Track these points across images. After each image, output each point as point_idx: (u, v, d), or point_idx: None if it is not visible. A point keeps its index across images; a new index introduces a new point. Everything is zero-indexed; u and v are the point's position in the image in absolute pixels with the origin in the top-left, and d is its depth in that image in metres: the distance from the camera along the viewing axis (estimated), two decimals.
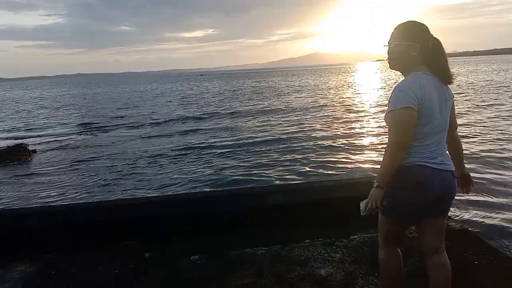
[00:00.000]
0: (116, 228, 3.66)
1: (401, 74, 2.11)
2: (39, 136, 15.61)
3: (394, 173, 1.96)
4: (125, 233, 3.65)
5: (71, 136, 15.01)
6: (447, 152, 2.13)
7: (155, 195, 6.49)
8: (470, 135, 10.76)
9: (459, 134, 2.29)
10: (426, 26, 2.03)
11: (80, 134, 15.43)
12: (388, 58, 2.11)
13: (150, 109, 23.93)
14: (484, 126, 12.14)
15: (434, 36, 2.03)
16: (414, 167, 1.99)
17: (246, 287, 2.76)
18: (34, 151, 11.81)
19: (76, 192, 7.58)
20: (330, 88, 37.18)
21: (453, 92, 2.13)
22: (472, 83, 31.97)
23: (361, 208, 2.04)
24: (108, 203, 4.10)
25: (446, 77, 2.03)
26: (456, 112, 2.20)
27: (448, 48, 2.09)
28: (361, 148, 9.90)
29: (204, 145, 11.62)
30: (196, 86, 57.61)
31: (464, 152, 2.37)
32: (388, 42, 2.10)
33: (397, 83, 2.01)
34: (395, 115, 1.94)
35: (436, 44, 2.03)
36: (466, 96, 21.86)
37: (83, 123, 18.64)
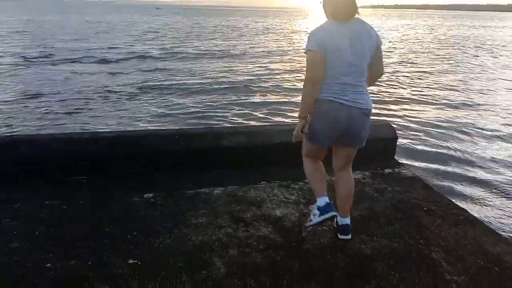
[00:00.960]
0: (65, 163, 3.47)
1: None
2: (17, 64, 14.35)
3: (311, 106, 2.35)
4: (74, 168, 3.48)
5: (18, 67, 13.92)
6: (365, 90, 2.40)
7: (108, 130, 6.24)
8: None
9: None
10: None
11: (29, 66, 14.26)
12: None
13: (107, 44, 22.43)
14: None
15: None
16: (325, 101, 2.33)
17: (201, 226, 2.73)
18: None
19: (23, 126, 7.16)
20: (296, 32, 36.59)
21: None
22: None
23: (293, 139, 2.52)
24: (57, 136, 3.85)
25: (351, 16, 2.30)
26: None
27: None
28: None
29: (163, 85, 11.15)
30: (155, 20, 54.62)
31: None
32: None
33: None
34: (306, 57, 2.31)
35: None
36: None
37: (31, 55, 17.07)
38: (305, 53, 2.31)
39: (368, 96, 2.40)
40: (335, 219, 2.60)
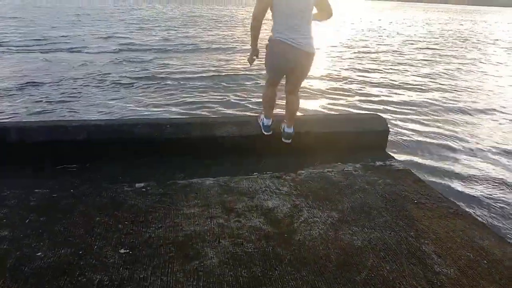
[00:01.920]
0: (55, 151, 3.43)
1: None
2: None
3: (255, 36, 3.19)
4: (64, 156, 3.44)
5: (9, 54, 13.57)
6: (309, 35, 3.14)
7: (99, 118, 6.17)
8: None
9: None
10: None
11: (20, 54, 13.75)
12: None
13: (104, 32, 21.75)
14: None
15: None
16: (273, 40, 3.14)
17: (193, 216, 2.73)
18: None
19: (13, 113, 7.05)
20: None
21: None
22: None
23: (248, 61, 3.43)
24: (47, 123, 3.80)
25: None
26: None
27: None
28: (319, 92, 9.84)
29: (157, 76, 10.90)
30: (148, 8, 53.86)
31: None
32: None
33: None
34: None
35: None
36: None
37: (24, 43, 16.22)
38: None
39: (311, 40, 3.14)
40: (283, 128, 3.66)
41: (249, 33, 3.25)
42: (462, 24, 44.76)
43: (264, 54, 3.38)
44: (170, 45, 17.51)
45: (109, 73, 11.05)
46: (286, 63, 3.21)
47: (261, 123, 3.74)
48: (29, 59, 12.84)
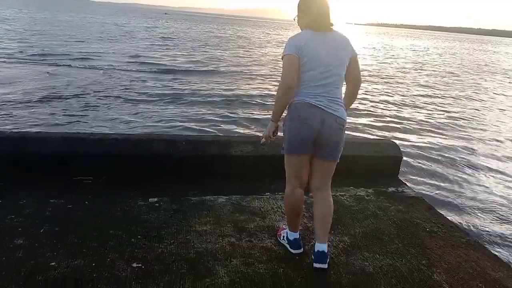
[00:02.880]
0: (71, 163, 3.50)
1: None
2: (4, 62, 14.37)
3: (283, 110, 2.39)
4: (80, 169, 3.50)
5: (30, 66, 13.93)
6: (340, 100, 2.40)
7: (115, 132, 6.27)
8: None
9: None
10: None
11: (46, 68, 14.05)
12: None
13: (126, 50, 21.94)
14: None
15: None
16: (299, 103, 2.34)
17: (204, 233, 2.75)
18: None
19: (34, 124, 7.21)
20: None
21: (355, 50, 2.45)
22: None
23: (261, 140, 2.58)
24: (65, 135, 3.88)
25: (326, 28, 2.36)
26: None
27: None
28: None
29: (178, 95, 11.09)
30: (167, 26, 54.90)
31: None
32: None
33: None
34: (283, 61, 2.33)
35: (317, 7, 2.39)
36: None
37: (48, 57, 16.42)
38: (281, 58, 2.35)
39: (342, 107, 2.39)
40: (313, 247, 2.49)
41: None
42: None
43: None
44: (191, 66, 17.74)
45: (130, 89, 11.27)
46: (310, 130, 2.33)
47: (284, 240, 2.67)
48: (51, 72, 13.15)
